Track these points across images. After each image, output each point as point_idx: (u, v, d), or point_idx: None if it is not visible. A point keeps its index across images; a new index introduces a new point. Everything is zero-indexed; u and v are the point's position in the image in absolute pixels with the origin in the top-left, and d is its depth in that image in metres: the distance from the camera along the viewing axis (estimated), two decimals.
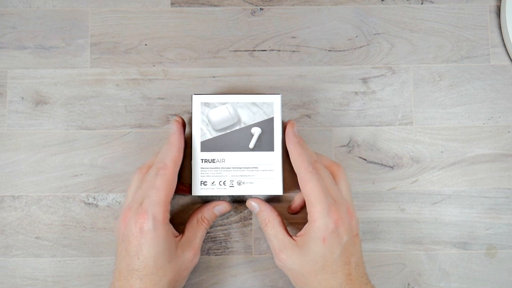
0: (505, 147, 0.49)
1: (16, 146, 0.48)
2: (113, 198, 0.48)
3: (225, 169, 0.44)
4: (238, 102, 0.45)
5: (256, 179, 0.44)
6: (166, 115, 0.49)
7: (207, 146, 0.44)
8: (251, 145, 0.45)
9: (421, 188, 0.49)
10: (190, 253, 0.42)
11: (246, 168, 0.44)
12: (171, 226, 0.42)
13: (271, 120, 0.45)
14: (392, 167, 0.49)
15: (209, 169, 0.44)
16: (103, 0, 0.50)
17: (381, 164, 0.49)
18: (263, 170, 0.44)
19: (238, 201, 0.48)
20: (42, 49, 0.49)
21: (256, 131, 0.45)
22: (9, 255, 0.47)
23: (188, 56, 0.50)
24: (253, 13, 0.50)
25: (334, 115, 0.49)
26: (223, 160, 0.44)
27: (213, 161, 0.44)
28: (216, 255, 0.48)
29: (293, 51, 0.50)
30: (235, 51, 0.50)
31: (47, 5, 0.50)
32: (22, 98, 0.49)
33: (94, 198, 0.48)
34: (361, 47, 0.50)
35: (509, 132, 0.49)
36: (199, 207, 0.46)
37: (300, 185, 0.42)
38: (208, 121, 0.44)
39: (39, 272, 0.47)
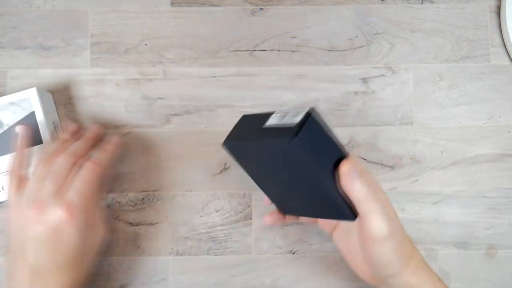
0: (505, 147, 0.49)
1: None
2: (113, 198, 0.48)
3: None
4: None
5: None
6: (166, 115, 0.49)
7: None
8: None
9: (421, 188, 0.49)
10: (101, 229, 0.43)
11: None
12: None
13: (32, 114, 0.45)
14: (392, 167, 0.49)
15: None
16: (103, 0, 0.50)
17: (381, 164, 0.49)
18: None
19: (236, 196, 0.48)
20: (42, 49, 0.49)
21: (20, 130, 0.45)
22: None
23: (188, 56, 0.50)
24: (253, 13, 0.50)
25: (334, 115, 0.49)
26: None
27: None
28: (216, 255, 0.48)
29: (293, 51, 0.50)
30: (235, 51, 0.50)
31: (47, 5, 0.50)
32: None
33: None
34: (361, 47, 0.50)
35: (509, 132, 0.49)
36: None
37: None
38: None
39: None
